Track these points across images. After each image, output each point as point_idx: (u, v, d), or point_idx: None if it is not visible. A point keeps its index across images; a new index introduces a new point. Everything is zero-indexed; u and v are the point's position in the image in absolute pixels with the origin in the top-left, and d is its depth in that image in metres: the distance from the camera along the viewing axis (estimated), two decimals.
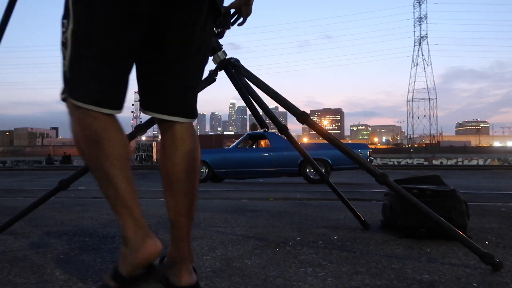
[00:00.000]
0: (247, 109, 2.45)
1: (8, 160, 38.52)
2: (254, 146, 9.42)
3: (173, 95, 1.30)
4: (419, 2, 77.84)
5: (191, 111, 1.35)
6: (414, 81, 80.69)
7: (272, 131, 8.45)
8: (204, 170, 8.73)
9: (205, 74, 2.10)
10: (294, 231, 2.41)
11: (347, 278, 1.48)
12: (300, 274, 1.54)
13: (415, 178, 2.47)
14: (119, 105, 1.21)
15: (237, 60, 2.08)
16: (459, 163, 30.81)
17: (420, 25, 78.56)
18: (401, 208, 2.18)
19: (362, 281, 1.45)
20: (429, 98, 79.70)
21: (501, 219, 2.83)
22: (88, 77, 1.15)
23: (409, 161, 33.87)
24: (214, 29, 2.08)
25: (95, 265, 1.68)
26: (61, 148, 45.98)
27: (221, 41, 2.13)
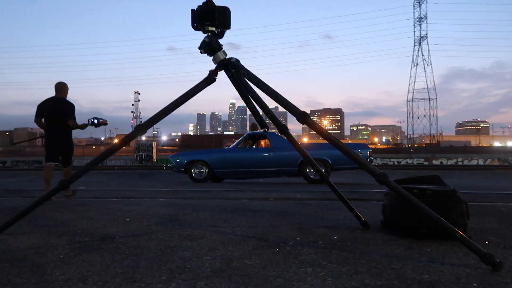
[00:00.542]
0: (247, 109, 2.46)
1: (8, 160, 38.51)
2: (254, 146, 9.42)
3: None
4: (419, 2, 77.83)
5: None
6: (414, 81, 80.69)
7: (272, 131, 8.45)
8: (204, 170, 8.73)
9: (205, 74, 2.10)
10: (294, 231, 2.41)
11: (347, 278, 1.48)
12: (300, 274, 1.54)
13: (415, 178, 2.47)
14: None
15: (237, 60, 2.08)
16: (459, 163, 30.78)
17: (420, 25, 78.56)
18: (401, 208, 2.18)
19: (362, 281, 1.45)
20: (429, 98, 79.71)
21: (501, 219, 2.83)
22: None
23: (409, 161, 33.85)
24: (214, 29, 2.08)
25: (95, 265, 1.68)
26: None
27: (221, 41, 2.12)
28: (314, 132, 1.97)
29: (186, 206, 3.75)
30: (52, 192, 1.98)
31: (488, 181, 8.64)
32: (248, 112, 13.65)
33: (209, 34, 2.08)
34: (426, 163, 32.42)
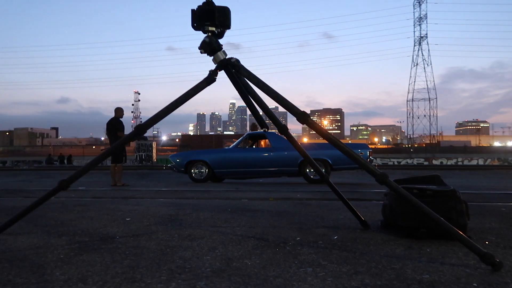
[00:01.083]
0: (247, 109, 2.45)
1: (8, 160, 38.52)
2: (254, 146, 9.42)
3: None
4: (419, 2, 77.82)
5: None
6: (414, 81, 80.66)
7: (272, 131, 8.45)
8: (204, 170, 8.74)
9: (205, 74, 2.10)
10: (294, 231, 2.41)
11: (347, 278, 1.48)
12: (300, 274, 1.54)
13: (415, 178, 2.47)
14: None
15: (237, 60, 2.08)
16: (459, 163, 30.79)
17: (420, 25, 78.55)
18: (401, 208, 2.18)
19: (362, 281, 1.45)
20: (429, 98, 79.68)
21: (501, 219, 2.83)
22: None
23: (409, 161, 33.86)
24: (214, 29, 2.08)
25: (95, 265, 1.68)
26: (61, 148, 46.01)
27: (221, 41, 2.13)
28: (314, 132, 1.97)
29: (186, 206, 3.75)
30: (51, 192, 1.98)
31: (488, 181, 8.64)
32: (248, 112, 13.64)
33: (209, 34, 2.08)
34: (426, 163, 32.42)
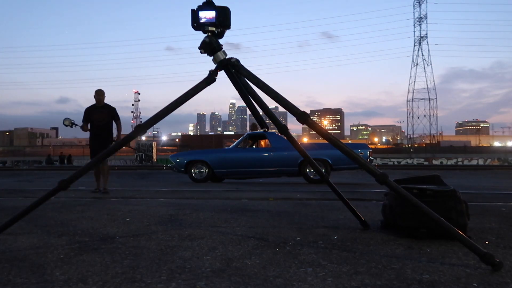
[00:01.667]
0: (247, 109, 2.45)
1: (8, 160, 38.51)
2: (254, 146, 9.42)
3: None
4: (419, 2, 77.79)
5: None
6: (414, 81, 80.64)
7: (272, 131, 8.44)
8: (204, 170, 8.73)
9: (205, 74, 2.10)
10: (294, 231, 2.41)
11: (347, 278, 1.48)
12: (300, 274, 1.54)
13: (415, 178, 2.47)
14: None
15: (237, 60, 2.08)
16: (459, 163, 30.78)
17: (420, 25, 78.51)
18: (401, 208, 2.17)
19: (362, 281, 1.45)
20: (429, 98, 79.66)
21: (501, 219, 2.83)
22: None
23: (409, 161, 33.85)
24: (214, 29, 2.08)
25: (95, 265, 1.68)
26: (61, 148, 46.03)
27: (221, 41, 2.12)
28: (314, 132, 1.97)
29: (186, 206, 3.75)
30: (51, 192, 1.98)
31: (488, 181, 8.64)
32: (248, 112, 13.64)
33: (209, 34, 2.08)
34: (426, 163, 32.42)
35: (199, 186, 7.37)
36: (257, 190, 6.04)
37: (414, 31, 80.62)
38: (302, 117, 1.89)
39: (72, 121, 5.86)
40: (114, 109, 6.17)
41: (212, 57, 2.09)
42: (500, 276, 1.49)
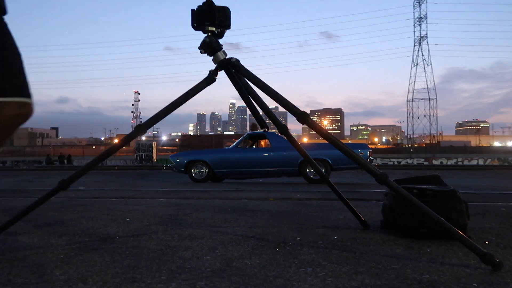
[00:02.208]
0: (247, 109, 2.46)
1: (8, 160, 38.51)
2: (254, 146, 9.42)
3: None
4: (419, 2, 77.85)
5: None
6: (414, 81, 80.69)
7: (272, 131, 8.45)
8: (204, 170, 8.74)
9: (205, 74, 2.10)
10: (294, 231, 2.41)
11: (347, 278, 1.48)
12: (300, 274, 1.54)
13: (415, 178, 2.47)
14: None
15: (237, 60, 2.08)
16: (459, 163, 30.79)
17: (420, 25, 78.59)
18: (401, 208, 2.18)
19: (362, 281, 1.45)
20: (429, 98, 79.71)
21: (501, 219, 2.83)
22: None
23: (409, 161, 33.87)
24: (214, 29, 2.09)
25: (95, 265, 1.68)
26: (61, 148, 46.05)
27: (221, 41, 2.13)
28: (314, 132, 1.97)
29: (186, 206, 3.75)
30: (51, 192, 1.98)
31: (488, 181, 8.64)
32: (248, 112, 13.65)
33: (209, 34, 2.08)
34: (426, 163, 32.44)
35: (199, 186, 7.37)
36: (257, 190, 6.05)
37: (414, 31, 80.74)
38: (302, 117, 1.89)
39: None
40: None
41: (212, 57, 2.09)
42: (500, 276, 1.49)
